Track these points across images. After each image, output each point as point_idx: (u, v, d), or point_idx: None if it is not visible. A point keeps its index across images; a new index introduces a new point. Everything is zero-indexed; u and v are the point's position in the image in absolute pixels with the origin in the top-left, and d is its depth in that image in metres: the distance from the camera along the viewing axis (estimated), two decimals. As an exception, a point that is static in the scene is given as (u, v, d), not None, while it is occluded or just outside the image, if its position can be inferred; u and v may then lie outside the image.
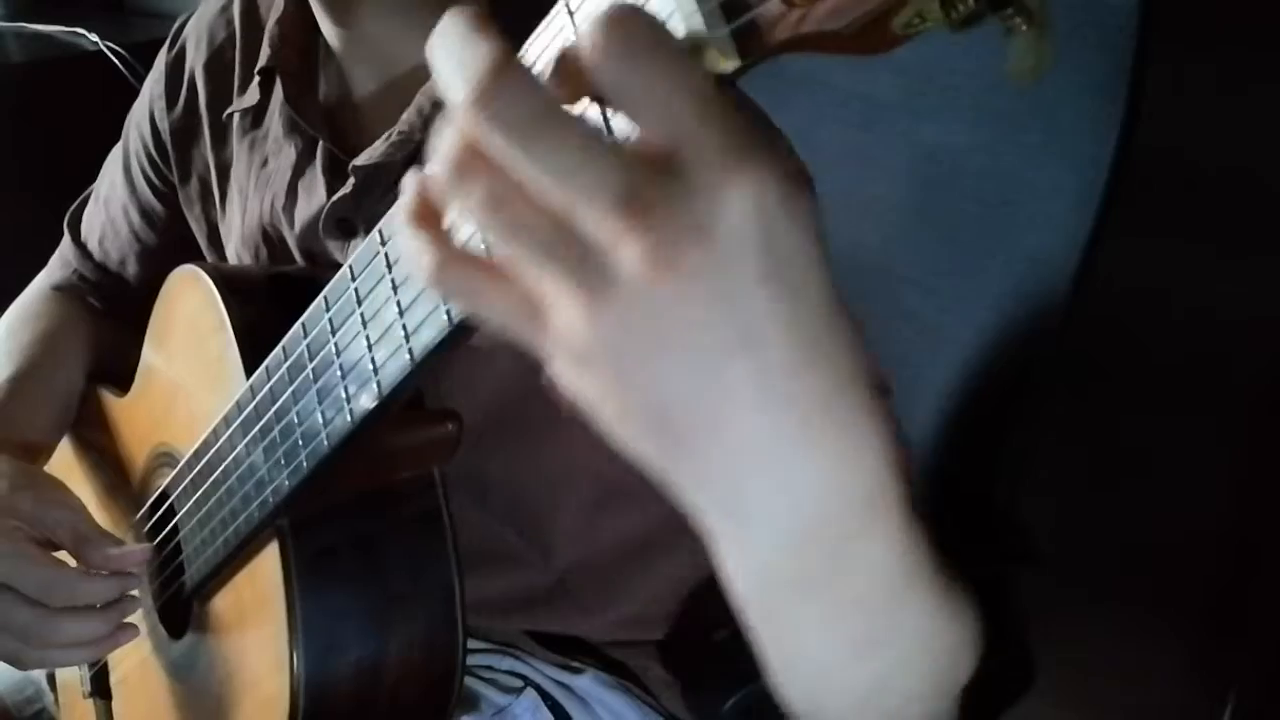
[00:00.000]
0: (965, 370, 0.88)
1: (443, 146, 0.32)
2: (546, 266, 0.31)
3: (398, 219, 0.37)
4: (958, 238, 0.88)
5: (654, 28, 0.30)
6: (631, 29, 0.30)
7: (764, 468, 0.33)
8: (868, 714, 0.45)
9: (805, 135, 0.91)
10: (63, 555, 0.74)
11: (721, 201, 0.30)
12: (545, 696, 0.81)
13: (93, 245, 0.97)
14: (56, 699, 0.96)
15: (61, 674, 0.95)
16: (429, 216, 0.34)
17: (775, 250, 0.30)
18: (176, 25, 0.90)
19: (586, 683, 0.82)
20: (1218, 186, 1.00)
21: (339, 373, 0.52)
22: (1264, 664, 1.10)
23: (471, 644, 0.67)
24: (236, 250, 0.83)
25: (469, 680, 0.78)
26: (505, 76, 0.30)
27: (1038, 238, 0.82)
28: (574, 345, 0.32)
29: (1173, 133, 0.86)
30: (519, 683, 0.81)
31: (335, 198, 0.73)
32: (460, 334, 0.43)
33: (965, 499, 0.91)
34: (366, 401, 0.50)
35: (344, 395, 0.51)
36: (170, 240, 0.92)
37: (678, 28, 0.33)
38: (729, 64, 0.33)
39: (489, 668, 0.82)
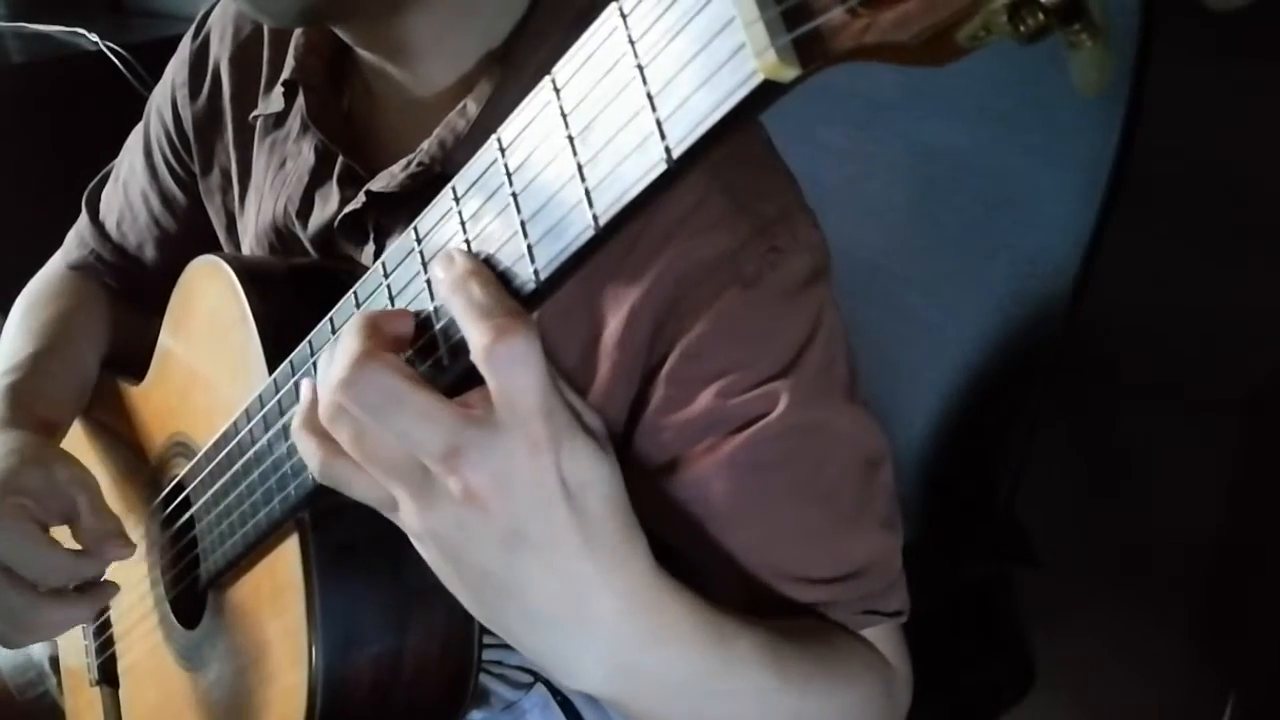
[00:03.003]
0: (966, 371, 0.88)
1: (323, 397, 0.45)
2: (394, 482, 0.45)
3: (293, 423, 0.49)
4: (959, 238, 0.88)
5: (527, 354, 0.41)
6: (510, 354, 0.41)
7: (552, 624, 0.47)
8: None
9: (807, 136, 0.91)
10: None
11: (516, 459, 0.43)
12: (555, 692, 0.80)
13: (110, 226, 0.96)
14: (59, 683, 0.96)
15: (66, 660, 0.94)
16: (318, 427, 0.46)
17: (566, 499, 0.44)
18: (201, 14, 0.89)
19: None
20: (1218, 187, 1.00)
21: None
22: (1264, 664, 1.10)
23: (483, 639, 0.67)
24: (251, 246, 0.83)
25: (479, 675, 0.78)
26: (366, 367, 0.43)
27: (1039, 238, 0.82)
28: (412, 531, 0.46)
29: (1174, 133, 0.86)
30: (529, 678, 0.81)
31: (346, 211, 0.72)
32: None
33: (964, 499, 0.91)
34: None
35: None
36: (190, 228, 0.91)
37: (738, 34, 0.33)
38: (789, 72, 0.32)
39: (499, 663, 0.81)
